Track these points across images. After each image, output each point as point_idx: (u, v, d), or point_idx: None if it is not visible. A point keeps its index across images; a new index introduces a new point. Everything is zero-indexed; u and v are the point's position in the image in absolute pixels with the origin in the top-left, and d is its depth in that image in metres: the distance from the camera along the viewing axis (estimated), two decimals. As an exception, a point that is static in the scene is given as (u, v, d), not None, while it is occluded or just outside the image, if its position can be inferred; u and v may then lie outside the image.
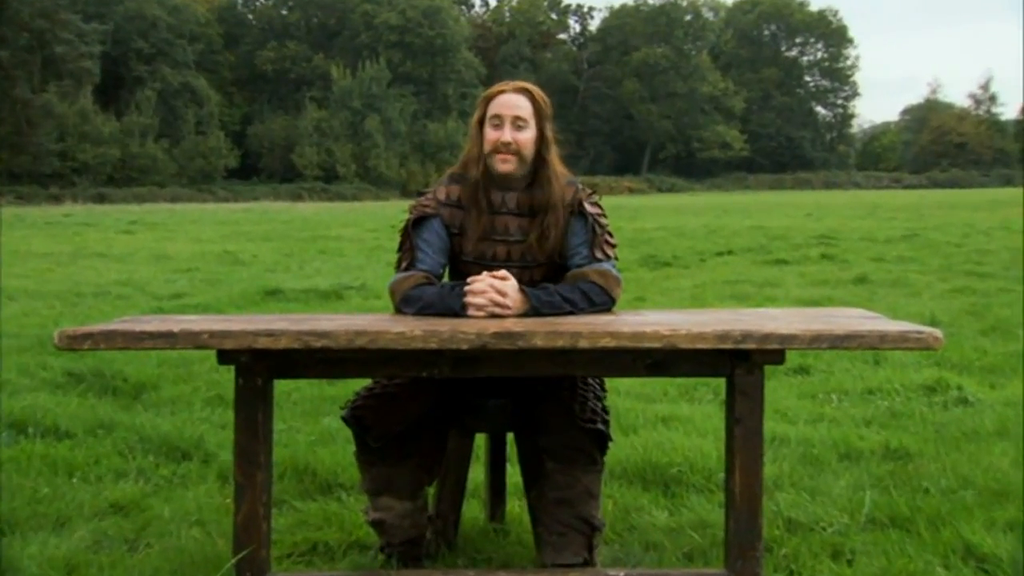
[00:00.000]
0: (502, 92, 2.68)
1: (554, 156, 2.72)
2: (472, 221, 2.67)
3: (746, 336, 2.20)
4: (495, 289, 2.46)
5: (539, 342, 2.19)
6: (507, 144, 2.63)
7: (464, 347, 2.19)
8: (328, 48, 64.40)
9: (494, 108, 2.66)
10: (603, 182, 61.01)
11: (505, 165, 2.65)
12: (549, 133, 2.72)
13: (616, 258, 2.72)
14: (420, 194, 2.78)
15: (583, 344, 2.19)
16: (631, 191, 62.54)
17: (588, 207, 2.70)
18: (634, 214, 27.67)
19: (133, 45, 54.93)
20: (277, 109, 61.17)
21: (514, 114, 2.65)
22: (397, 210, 30.90)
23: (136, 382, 5.05)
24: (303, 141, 56.41)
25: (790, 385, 5.11)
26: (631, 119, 74.11)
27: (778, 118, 77.83)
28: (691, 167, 72.81)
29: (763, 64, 79.62)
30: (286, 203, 43.41)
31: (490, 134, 2.66)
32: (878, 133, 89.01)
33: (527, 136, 2.66)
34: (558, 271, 2.72)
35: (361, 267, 12.34)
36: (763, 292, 9.14)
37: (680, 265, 12.27)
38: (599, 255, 2.65)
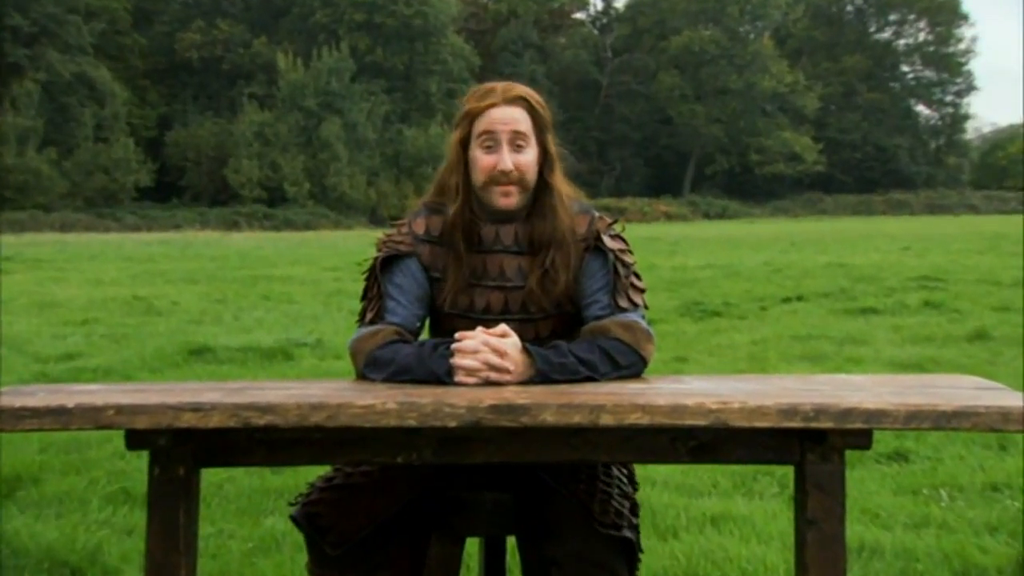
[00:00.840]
0: (492, 105, 2.70)
1: (559, 177, 2.78)
2: (455, 263, 2.72)
3: (820, 411, 2.22)
4: (491, 348, 2.49)
5: (549, 418, 2.20)
6: (507, 173, 2.68)
7: (451, 424, 2.20)
8: (273, 30, 65.16)
9: (484, 125, 2.70)
10: (632, 205, 61.45)
11: (507, 199, 2.70)
12: (552, 148, 2.77)
13: (646, 306, 2.76)
14: (396, 223, 2.82)
15: (606, 421, 2.20)
16: (669, 217, 62.91)
17: (607, 241, 2.74)
18: (673, 248, 27.75)
19: (8, 22, 54.01)
20: (205, 109, 61.78)
21: (512, 130, 2.69)
22: (364, 243, 30.93)
23: (10, 474, 5.04)
24: (240, 152, 56.82)
25: (883, 476, 5.12)
26: (669, 123, 74.73)
27: (864, 121, 78.36)
28: (748, 186, 73.24)
29: (845, 50, 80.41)
30: (217, 233, 43.65)
31: (483, 159, 2.70)
32: (1002, 140, 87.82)
33: (529, 158, 2.71)
34: (570, 324, 2.76)
35: (316, 318, 12.38)
36: (844, 352, 9.16)
37: (734, 315, 12.29)
38: (623, 303, 2.69)
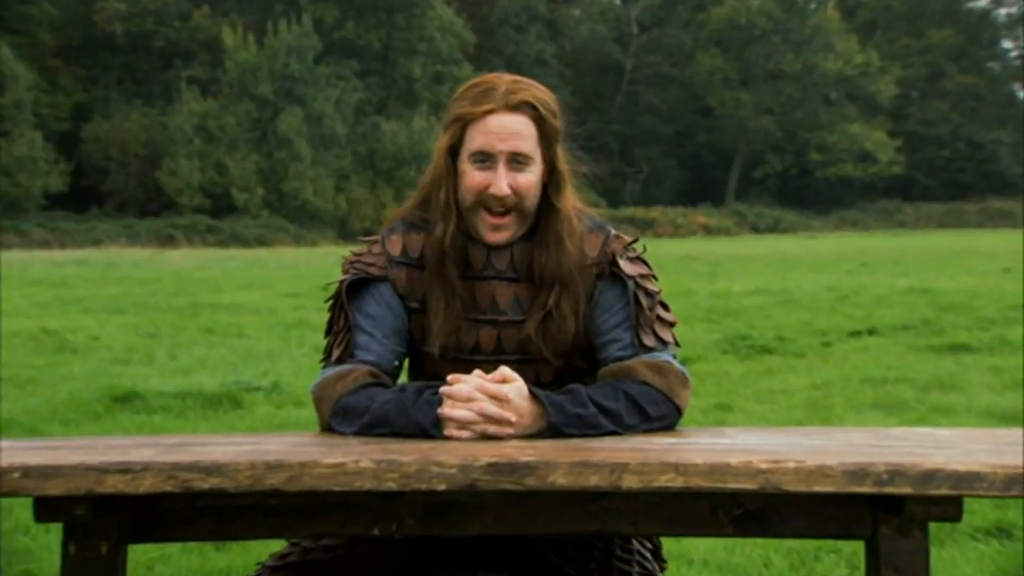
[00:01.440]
0: (489, 112, 2.70)
1: (568, 198, 2.78)
2: (446, 295, 2.74)
3: (897, 473, 2.23)
4: (489, 395, 2.51)
5: (560, 479, 2.22)
6: (502, 199, 2.69)
7: (440, 488, 2.22)
8: (217, -1, 65.33)
9: (478, 138, 2.70)
10: (663, 217, 61.43)
11: (498, 234, 2.72)
12: (562, 165, 2.78)
13: (677, 343, 2.78)
14: (368, 240, 2.85)
15: (630, 483, 2.22)
16: (708, 231, 62.89)
17: (625, 266, 2.76)
18: (713, 268, 27.74)
19: None
20: (132, 97, 61.84)
21: (511, 149, 2.69)
22: (332, 262, 30.84)
23: None
24: (176, 150, 56.86)
25: (979, 557, 5.10)
26: (709, 115, 74.86)
27: (954, 111, 78.36)
28: (807, 192, 73.25)
29: (930, 22, 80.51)
30: (148, 250, 43.59)
31: (473, 177, 2.71)
32: None
33: (530, 179, 2.72)
34: (578, 368, 2.78)
35: (272, 356, 12.37)
36: (928, 399, 9.14)
37: (789, 352, 12.28)
38: (649, 341, 2.71)
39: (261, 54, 59.32)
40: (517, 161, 2.69)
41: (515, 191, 2.68)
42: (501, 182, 2.67)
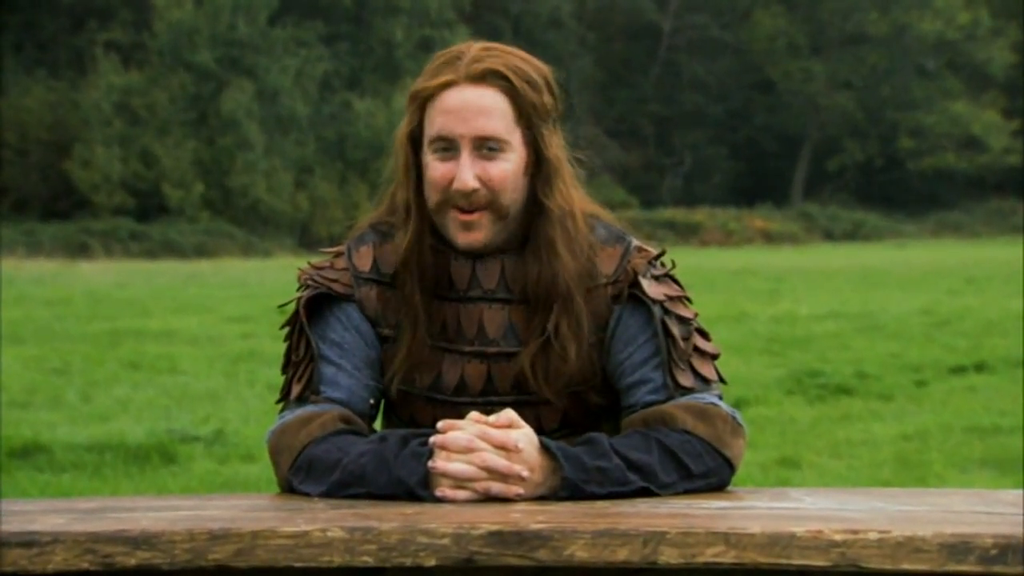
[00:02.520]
0: (448, 84, 2.71)
1: (564, 192, 2.79)
2: (411, 318, 2.76)
3: (1008, 548, 2.23)
4: (493, 443, 2.52)
5: (580, 553, 2.23)
6: (468, 193, 2.69)
7: (430, 564, 2.23)
8: (144, -57, 65.40)
9: (437, 118, 2.73)
10: (710, 220, 61.18)
11: (471, 235, 2.73)
12: (552, 150, 2.78)
13: (723, 380, 2.80)
14: (331, 251, 2.89)
15: (668, 558, 2.22)
16: (769, 238, 62.67)
17: (649, 288, 2.77)
18: (775, 286, 27.70)
19: None
20: (34, 67, 61.78)
21: (475, 132, 2.70)
22: (291, 278, 30.61)
23: None
24: (91, 134, 56.82)
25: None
26: (769, 90, 74.73)
27: (1085, 86, 78.04)
28: (896, 189, 73.02)
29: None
30: (55, 263, 43.50)
31: (435, 169, 2.73)
32: None
33: (505, 168, 2.72)
34: (590, 408, 2.81)
35: (215, 397, 12.38)
36: (1051, 452, 9.13)
37: (873, 394, 12.27)
38: (686, 380, 2.72)
39: (199, 13, 59.20)
40: (487, 148, 2.70)
41: (485, 184, 2.69)
42: (465, 173, 2.68)
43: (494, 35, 58.90)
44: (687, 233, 55.69)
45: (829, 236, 64.94)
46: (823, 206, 69.64)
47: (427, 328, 2.75)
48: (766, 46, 73.70)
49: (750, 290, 25.88)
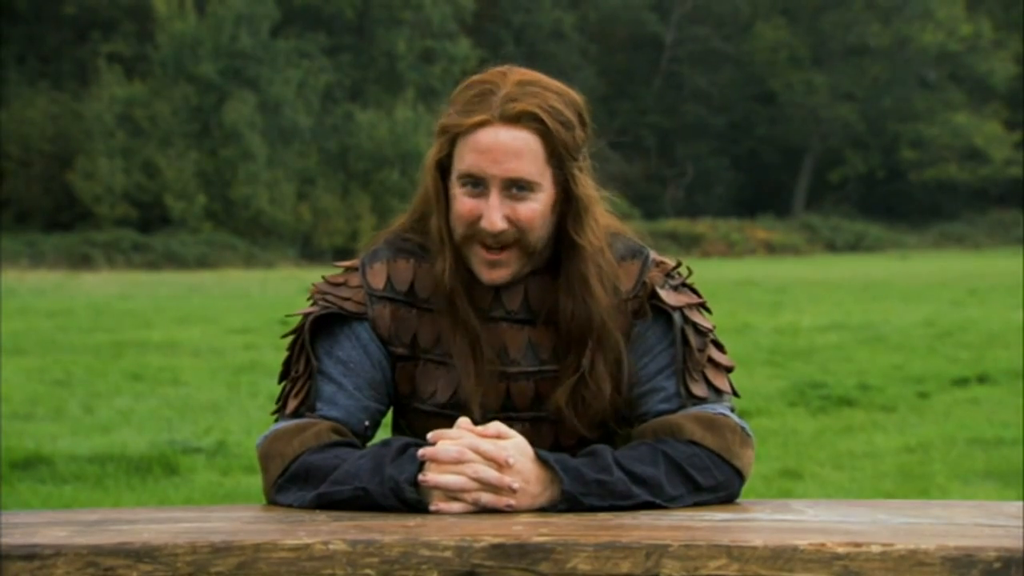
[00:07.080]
0: (484, 123, 2.69)
1: (595, 229, 2.77)
2: (461, 344, 2.75)
3: (1011, 561, 2.23)
4: (485, 456, 2.52)
5: (583, 566, 2.22)
6: (496, 235, 2.68)
7: (429, 577, 2.23)
8: (147, -45, 65.44)
9: (467, 155, 2.71)
10: (713, 231, 61.26)
11: (495, 272, 2.72)
12: (583, 189, 2.76)
13: (735, 392, 2.80)
14: (344, 265, 2.87)
15: (671, 571, 2.22)
16: (771, 249, 62.73)
17: (668, 297, 2.77)
18: (778, 298, 27.70)
19: None
20: (37, 78, 61.82)
21: (507, 174, 2.68)
22: (294, 290, 30.73)
23: None
24: (94, 146, 56.83)
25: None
26: (771, 102, 74.71)
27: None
28: (898, 200, 73.02)
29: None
30: (57, 274, 43.49)
31: (463, 204, 2.71)
32: None
33: (534, 208, 2.71)
34: (605, 426, 2.80)
35: (217, 408, 12.35)
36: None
37: (875, 405, 12.25)
38: (699, 390, 2.72)
39: (202, 25, 59.21)
40: (517, 188, 2.68)
41: (513, 223, 2.68)
42: (494, 214, 2.67)
43: (496, 47, 58.98)
44: (689, 244, 55.63)
45: (831, 247, 65.01)
46: (825, 217, 69.65)
47: (477, 355, 2.74)
48: (768, 58, 73.75)
49: (752, 301, 25.88)
